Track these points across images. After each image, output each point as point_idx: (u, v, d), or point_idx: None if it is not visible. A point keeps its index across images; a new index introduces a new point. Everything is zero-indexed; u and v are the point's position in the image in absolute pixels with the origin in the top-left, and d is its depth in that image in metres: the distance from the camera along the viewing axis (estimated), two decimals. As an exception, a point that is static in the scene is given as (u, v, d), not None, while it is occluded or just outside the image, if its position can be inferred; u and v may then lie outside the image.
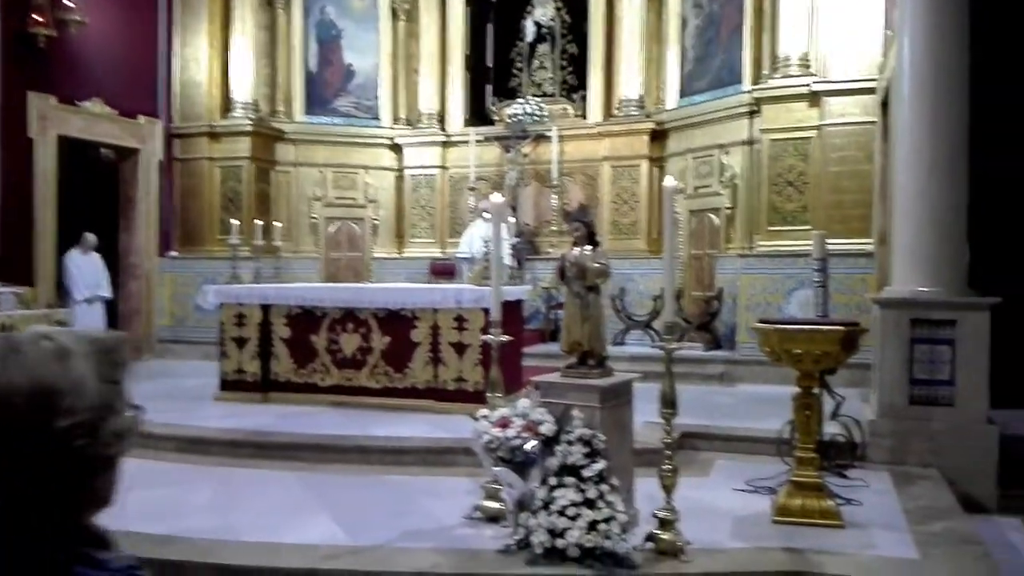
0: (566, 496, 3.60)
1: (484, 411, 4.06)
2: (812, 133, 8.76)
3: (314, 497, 4.85)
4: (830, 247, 5.62)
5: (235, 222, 8.34)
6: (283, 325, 7.31)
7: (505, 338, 4.42)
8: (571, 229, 4.10)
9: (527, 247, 11.32)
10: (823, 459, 4.73)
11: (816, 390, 4.42)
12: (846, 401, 5.42)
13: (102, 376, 1.07)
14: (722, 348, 9.37)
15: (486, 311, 6.38)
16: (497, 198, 4.50)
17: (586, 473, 3.63)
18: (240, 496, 4.97)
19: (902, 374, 5.30)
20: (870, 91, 8.32)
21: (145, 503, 4.76)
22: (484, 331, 6.31)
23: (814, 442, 4.27)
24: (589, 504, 3.58)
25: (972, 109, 5.41)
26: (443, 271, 11.43)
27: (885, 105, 7.53)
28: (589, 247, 4.03)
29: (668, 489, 3.71)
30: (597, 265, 3.97)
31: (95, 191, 10.87)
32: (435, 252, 12.02)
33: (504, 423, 3.88)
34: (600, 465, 3.64)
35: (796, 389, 4.35)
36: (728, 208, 9.82)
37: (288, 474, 5.37)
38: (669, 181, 4.01)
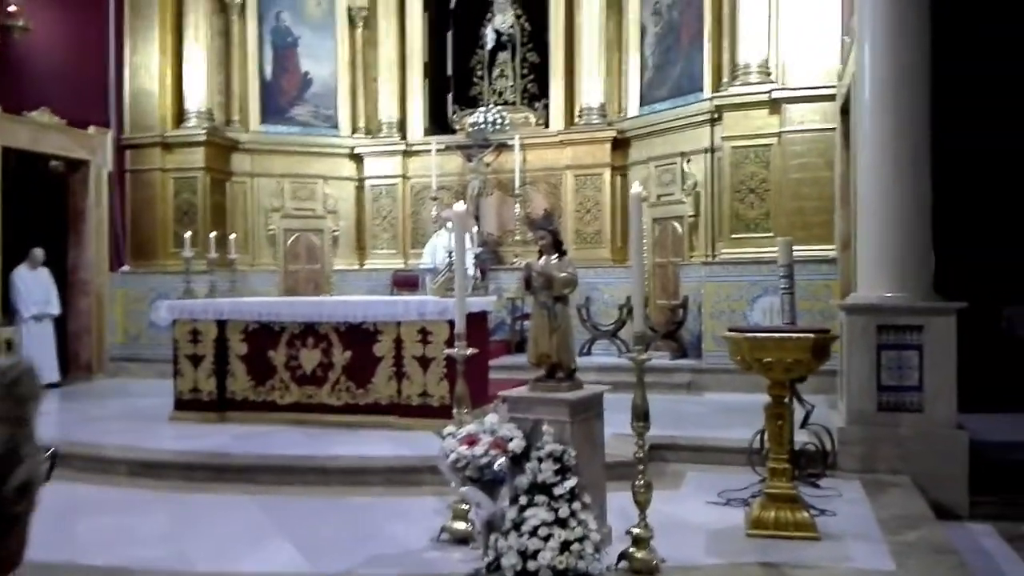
0: (537, 516, 3.47)
1: (450, 428, 3.92)
2: (773, 140, 8.79)
3: (273, 522, 4.65)
4: (793, 253, 5.57)
5: (188, 234, 8.08)
6: (240, 341, 7.08)
7: (471, 351, 4.28)
8: (536, 237, 3.97)
9: (491, 257, 11.20)
10: (794, 468, 4.67)
11: (787, 399, 4.35)
12: (814, 409, 5.37)
13: (4, 415, 0.89)
14: (688, 356, 9.33)
15: (451, 323, 6.24)
16: (460, 207, 4.36)
17: (557, 491, 3.50)
18: (196, 522, 4.75)
19: (870, 380, 5.27)
20: (829, 98, 8.37)
21: (94, 532, 4.55)
22: (449, 344, 6.17)
23: (787, 452, 4.20)
24: (561, 523, 3.45)
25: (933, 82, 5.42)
26: (406, 283, 11.25)
27: (844, 112, 7.58)
28: (556, 256, 3.91)
29: (642, 506, 3.60)
30: (565, 275, 3.86)
31: (43, 204, 10.48)
32: (397, 263, 11.83)
33: (471, 440, 3.74)
34: (572, 482, 3.52)
35: (767, 398, 4.28)
36: (691, 216, 9.81)
37: (246, 498, 5.16)
38: (636, 188, 3.91)
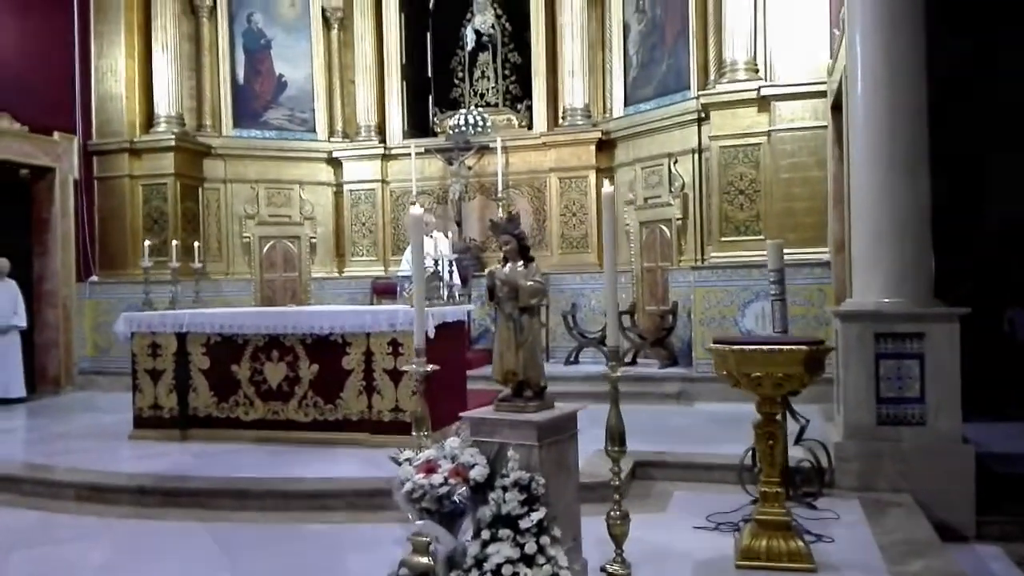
0: (501, 552, 3.11)
1: (408, 453, 3.54)
2: (762, 139, 8.47)
3: (224, 554, 4.28)
4: (784, 257, 5.23)
5: (147, 243, 7.70)
6: (201, 355, 6.69)
7: (431, 367, 3.90)
8: (500, 242, 3.60)
9: (473, 263, 10.84)
10: (788, 488, 4.32)
11: (779, 415, 3.99)
12: (809, 423, 5.02)
13: None
14: (679, 364, 9.00)
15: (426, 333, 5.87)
16: (417, 210, 3.99)
17: (524, 524, 3.13)
18: (141, 554, 4.39)
19: (868, 392, 4.92)
20: (820, 94, 8.05)
21: (29, 564, 4.20)
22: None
23: (779, 475, 3.84)
24: (528, 561, 3.09)
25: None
26: (386, 290, 10.87)
27: (836, 108, 7.25)
28: (521, 262, 3.55)
29: (618, 539, 3.23)
30: (531, 283, 3.48)
31: (6, 213, 10.09)
32: (378, 270, 11.47)
33: (430, 467, 3.36)
34: (539, 514, 3.15)
35: (757, 416, 3.92)
36: (679, 219, 9.49)
37: (198, 526, 4.78)
38: (607, 188, 3.55)
